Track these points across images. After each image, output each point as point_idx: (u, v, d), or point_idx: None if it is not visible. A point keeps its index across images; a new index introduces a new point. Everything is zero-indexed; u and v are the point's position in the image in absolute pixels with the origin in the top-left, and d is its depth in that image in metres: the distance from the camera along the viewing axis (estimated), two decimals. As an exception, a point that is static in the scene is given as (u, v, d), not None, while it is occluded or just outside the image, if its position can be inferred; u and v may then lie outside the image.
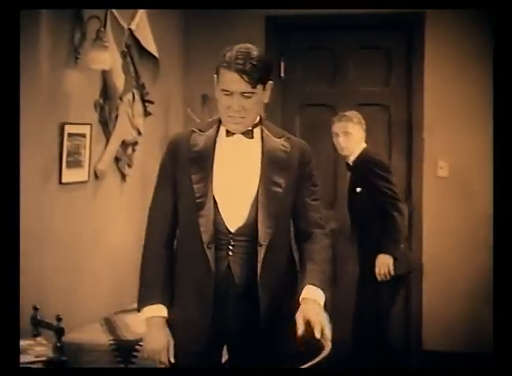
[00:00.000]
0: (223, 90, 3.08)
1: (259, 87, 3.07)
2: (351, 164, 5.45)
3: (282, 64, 6.51)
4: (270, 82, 3.15)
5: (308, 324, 2.95)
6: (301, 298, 3.07)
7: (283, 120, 6.44)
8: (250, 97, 3.06)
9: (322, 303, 3.09)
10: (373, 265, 5.26)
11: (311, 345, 2.95)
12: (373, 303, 5.33)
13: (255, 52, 3.08)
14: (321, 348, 2.88)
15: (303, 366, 2.75)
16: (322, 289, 3.10)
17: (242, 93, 3.05)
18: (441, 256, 6.36)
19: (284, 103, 6.53)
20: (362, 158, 5.40)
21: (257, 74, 3.04)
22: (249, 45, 3.11)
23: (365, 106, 6.22)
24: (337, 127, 5.45)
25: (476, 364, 5.64)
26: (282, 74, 6.51)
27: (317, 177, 3.31)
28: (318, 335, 2.91)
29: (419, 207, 6.34)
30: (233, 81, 3.04)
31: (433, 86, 6.36)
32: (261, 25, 6.45)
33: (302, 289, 3.10)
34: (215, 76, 3.13)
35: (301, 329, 2.94)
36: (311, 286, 3.09)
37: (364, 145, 5.47)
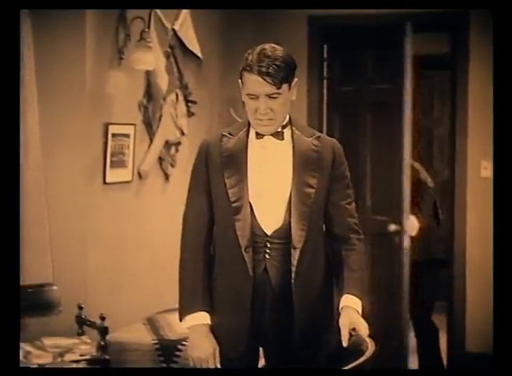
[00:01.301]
0: (248, 94, 3.05)
1: (284, 86, 3.04)
2: None
3: (324, 64, 6.49)
4: (296, 80, 3.11)
5: (352, 330, 2.98)
6: (340, 307, 3.10)
7: (326, 119, 6.42)
8: (276, 98, 3.03)
9: (360, 311, 3.10)
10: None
11: (354, 345, 2.95)
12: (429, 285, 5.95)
13: (277, 52, 3.03)
14: (364, 349, 2.87)
15: (347, 367, 2.74)
16: (360, 298, 3.11)
17: (267, 95, 3.02)
18: (485, 257, 6.30)
19: (326, 103, 6.51)
20: None
21: (280, 74, 3.00)
22: (270, 45, 3.07)
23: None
24: None
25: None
26: (325, 74, 6.49)
27: (350, 179, 3.26)
28: (366, 333, 2.94)
29: (462, 207, 6.28)
30: (257, 84, 3.01)
31: (477, 86, 6.30)
32: (303, 24, 6.43)
33: (340, 298, 3.12)
34: (240, 80, 3.09)
35: (345, 340, 2.97)
36: (349, 295, 3.10)
37: None
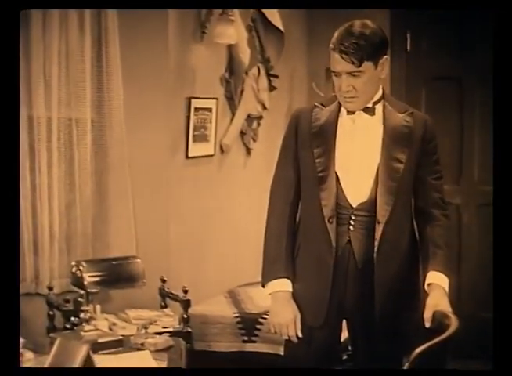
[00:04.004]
0: (332, 71, 3.07)
1: (367, 64, 3.02)
2: None
3: (408, 37, 6.40)
4: (385, 57, 3.08)
5: (436, 312, 2.96)
6: (426, 284, 3.10)
7: (408, 93, 6.33)
8: (358, 76, 3.02)
9: (447, 288, 3.09)
10: None
11: (438, 322, 2.93)
12: None
13: (364, 30, 3.02)
14: (448, 325, 2.85)
15: (430, 343, 2.72)
16: (446, 274, 3.10)
17: (349, 73, 3.02)
18: None
19: (409, 77, 6.42)
20: None
21: (360, 53, 2.99)
22: (361, 22, 3.05)
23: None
24: None
25: None
26: (408, 47, 6.40)
27: (440, 156, 3.24)
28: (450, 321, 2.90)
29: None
30: (338, 62, 3.02)
31: None
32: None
33: (426, 274, 3.12)
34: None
35: (428, 322, 2.97)
36: (435, 272, 3.10)
37: None
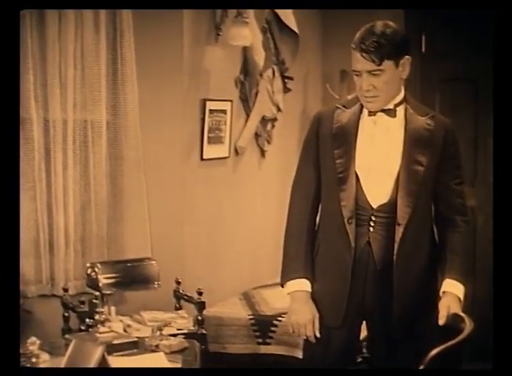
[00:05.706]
0: (353, 71, 3.09)
1: (387, 63, 3.04)
2: None
3: (423, 38, 6.38)
4: (406, 57, 3.10)
5: (451, 314, 3.00)
6: (441, 291, 3.12)
7: (423, 95, 6.32)
8: (378, 75, 3.04)
9: (462, 296, 3.12)
10: None
11: (453, 324, 2.94)
12: None
13: (385, 29, 3.04)
14: (463, 327, 2.85)
15: (446, 345, 2.72)
16: (462, 282, 3.13)
17: (369, 72, 3.04)
18: None
19: (424, 78, 6.40)
20: None
21: (381, 51, 3.01)
22: (383, 22, 3.08)
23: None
24: None
25: None
26: (423, 49, 6.39)
27: (462, 161, 3.24)
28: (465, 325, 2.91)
29: None
30: (358, 61, 3.05)
31: None
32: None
33: (442, 281, 3.14)
34: None
35: (442, 320, 3.00)
36: (451, 280, 3.12)
37: None
